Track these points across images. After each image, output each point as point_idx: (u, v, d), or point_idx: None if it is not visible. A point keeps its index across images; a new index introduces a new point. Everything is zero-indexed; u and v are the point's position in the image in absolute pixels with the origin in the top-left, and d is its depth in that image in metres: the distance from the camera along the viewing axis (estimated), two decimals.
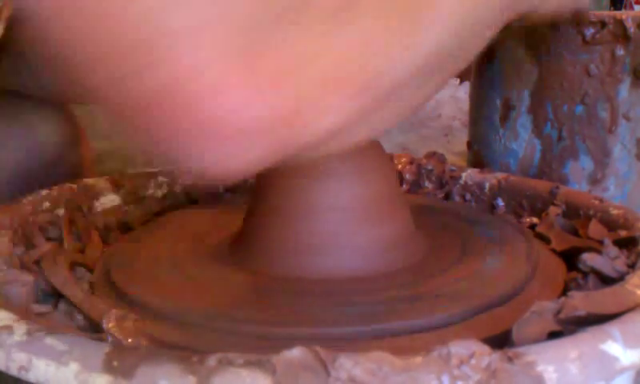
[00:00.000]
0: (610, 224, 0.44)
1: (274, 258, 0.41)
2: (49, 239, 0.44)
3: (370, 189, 0.42)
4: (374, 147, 0.44)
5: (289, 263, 0.41)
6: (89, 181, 0.53)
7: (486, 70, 0.63)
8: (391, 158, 0.59)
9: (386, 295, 0.37)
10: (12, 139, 0.56)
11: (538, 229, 0.49)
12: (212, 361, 0.24)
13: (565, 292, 0.38)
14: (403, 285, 0.39)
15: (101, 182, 0.54)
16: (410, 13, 0.30)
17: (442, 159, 0.61)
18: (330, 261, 0.40)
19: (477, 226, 0.49)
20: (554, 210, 0.50)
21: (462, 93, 1.12)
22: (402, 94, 0.33)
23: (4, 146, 0.55)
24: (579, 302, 0.29)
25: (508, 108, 0.61)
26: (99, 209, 0.53)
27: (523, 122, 0.60)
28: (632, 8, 1.28)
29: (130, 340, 0.30)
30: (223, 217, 0.52)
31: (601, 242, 0.41)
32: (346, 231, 0.41)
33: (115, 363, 0.24)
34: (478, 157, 0.66)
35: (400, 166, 0.60)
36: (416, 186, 0.61)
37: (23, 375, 0.25)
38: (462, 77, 0.62)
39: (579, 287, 0.38)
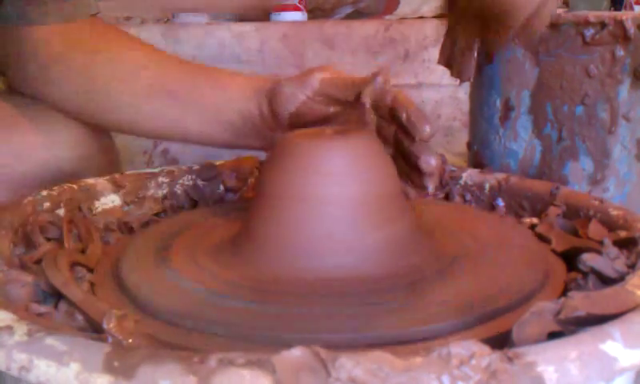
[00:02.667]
0: (610, 224, 0.44)
1: (274, 259, 0.41)
2: (49, 239, 0.44)
3: (370, 189, 0.42)
4: (374, 147, 0.44)
5: (288, 263, 0.41)
6: (89, 181, 0.53)
7: (486, 70, 0.63)
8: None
9: (386, 297, 0.37)
10: (31, 152, 0.56)
11: (538, 229, 0.49)
12: (213, 361, 0.24)
13: (565, 292, 0.38)
14: (403, 286, 0.39)
15: (101, 182, 0.54)
16: None
17: (442, 159, 0.61)
18: (330, 261, 0.40)
19: (477, 226, 0.49)
20: (554, 211, 0.50)
21: (462, 93, 1.12)
22: None
23: (21, 158, 0.56)
24: (579, 303, 0.29)
25: (508, 108, 0.61)
26: (99, 209, 0.53)
27: (523, 123, 0.60)
28: (632, 9, 1.28)
29: (130, 340, 0.30)
30: (223, 217, 0.52)
31: (601, 243, 0.41)
32: (345, 231, 0.41)
33: (116, 363, 0.24)
34: (478, 157, 0.66)
35: None
36: None
37: (24, 375, 0.25)
38: (462, 77, 0.62)
39: (579, 287, 0.38)
